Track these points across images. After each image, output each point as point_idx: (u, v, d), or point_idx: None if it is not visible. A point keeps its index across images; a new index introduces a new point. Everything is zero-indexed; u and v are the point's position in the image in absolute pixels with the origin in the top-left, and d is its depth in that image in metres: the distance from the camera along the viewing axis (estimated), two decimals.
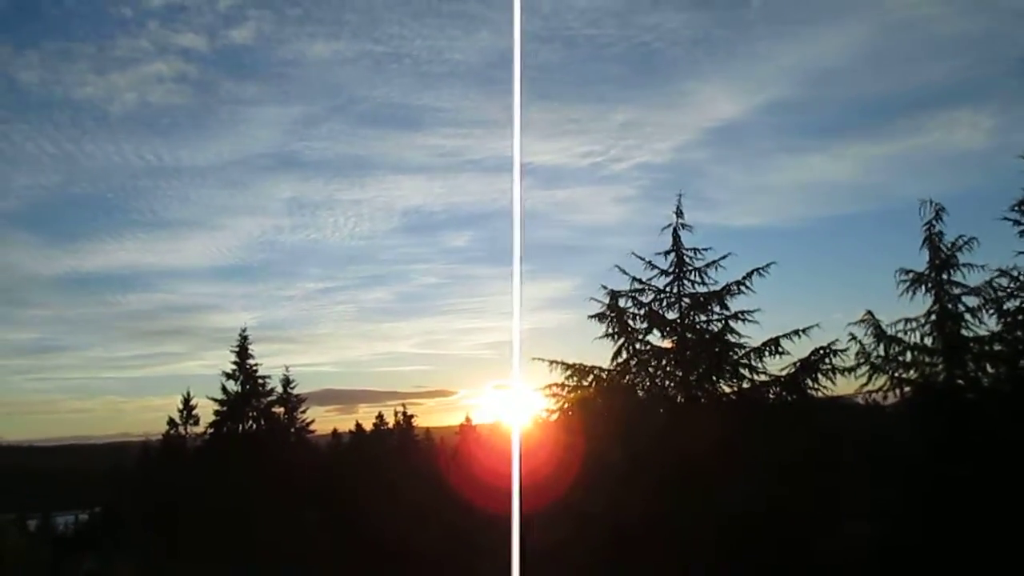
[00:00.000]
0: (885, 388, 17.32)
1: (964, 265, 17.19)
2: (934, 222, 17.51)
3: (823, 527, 14.10)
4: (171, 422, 33.33)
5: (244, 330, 31.92)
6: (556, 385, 18.29)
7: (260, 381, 31.44)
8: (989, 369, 16.98)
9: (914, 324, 17.42)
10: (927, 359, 17.26)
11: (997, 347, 16.63)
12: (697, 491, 15.39)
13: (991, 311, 16.83)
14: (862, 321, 17.62)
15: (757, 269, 18.00)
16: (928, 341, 17.28)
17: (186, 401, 33.72)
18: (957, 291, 17.22)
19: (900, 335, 17.44)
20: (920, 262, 17.61)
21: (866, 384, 17.36)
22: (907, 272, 17.63)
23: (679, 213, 18.54)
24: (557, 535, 15.14)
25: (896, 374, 17.32)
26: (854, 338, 17.36)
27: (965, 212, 18.48)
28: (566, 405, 18.35)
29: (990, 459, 14.74)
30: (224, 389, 31.14)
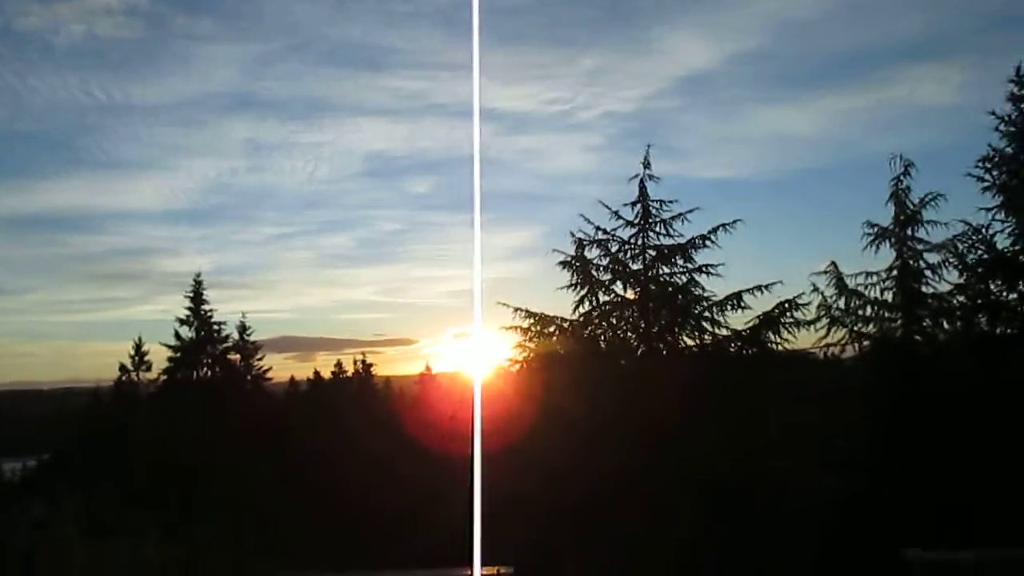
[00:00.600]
0: (844, 342, 17.78)
1: (928, 222, 17.54)
2: (902, 177, 17.78)
3: (790, 479, 14.38)
4: (123, 368, 33.00)
5: (198, 275, 31.65)
6: (519, 329, 18.39)
7: (215, 327, 31.24)
8: (946, 325, 17.45)
9: (875, 278, 17.81)
10: (886, 314, 17.69)
11: (957, 301, 17.05)
12: (663, 445, 15.59)
13: (953, 266, 17.22)
14: (825, 271, 17.95)
15: (723, 225, 18.09)
16: (888, 296, 17.71)
17: (138, 347, 33.38)
18: (920, 247, 17.58)
19: (861, 289, 17.84)
20: (886, 217, 17.93)
21: (825, 337, 17.84)
22: (872, 226, 17.92)
23: (646, 164, 18.52)
24: (521, 486, 15.16)
25: (855, 328, 17.76)
26: (816, 289, 17.73)
27: (932, 168, 18.76)
28: (529, 355, 18.52)
29: (942, 412, 15.20)
30: (178, 335, 30.94)
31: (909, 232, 17.63)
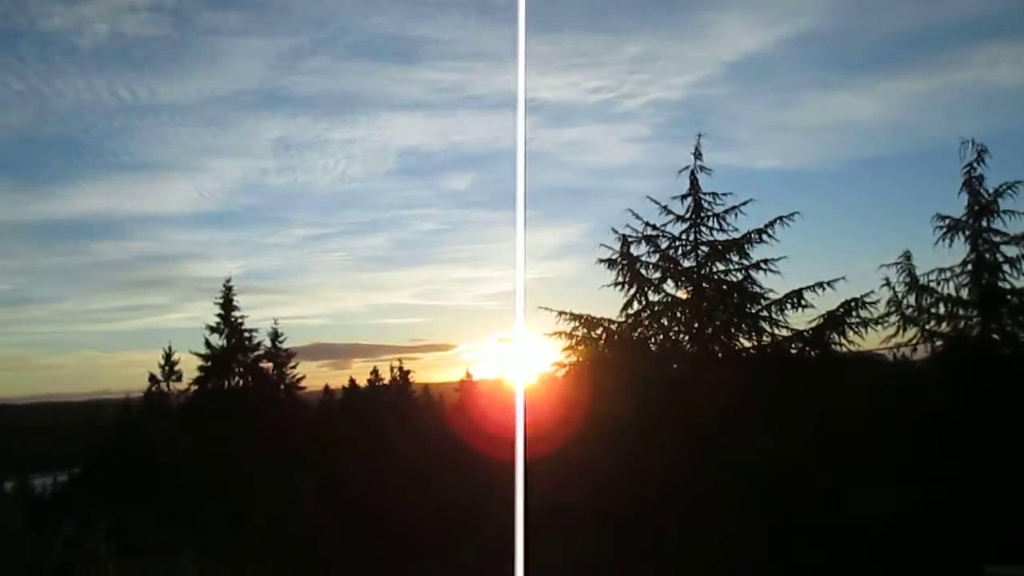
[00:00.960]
0: (915, 342, 17.46)
1: (1005, 212, 17.16)
2: (974, 165, 17.41)
3: (849, 490, 14.20)
4: (152, 378, 33.54)
5: (229, 280, 32.02)
6: (563, 335, 18.44)
7: (246, 335, 31.63)
8: None
9: (949, 274, 17.49)
10: (961, 311, 17.36)
11: None
12: (716, 452, 15.50)
13: None
14: (896, 263, 17.65)
15: (781, 217, 17.94)
16: (963, 293, 17.37)
17: (168, 356, 33.88)
18: (997, 239, 17.22)
19: (934, 285, 17.52)
20: (958, 208, 17.59)
21: (894, 336, 17.55)
22: (944, 218, 17.60)
23: (697, 154, 18.45)
24: (566, 498, 15.25)
25: (928, 327, 17.44)
26: (887, 283, 17.44)
27: (1008, 154, 18.35)
28: (574, 360, 18.55)
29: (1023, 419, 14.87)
30: (208, 343, 31.33)
31: (984, 223, 17.28)
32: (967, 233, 17.41)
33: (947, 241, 17.51)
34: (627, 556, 15.12)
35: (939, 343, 17.38)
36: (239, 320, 31.76)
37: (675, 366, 18.24)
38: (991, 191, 17.26)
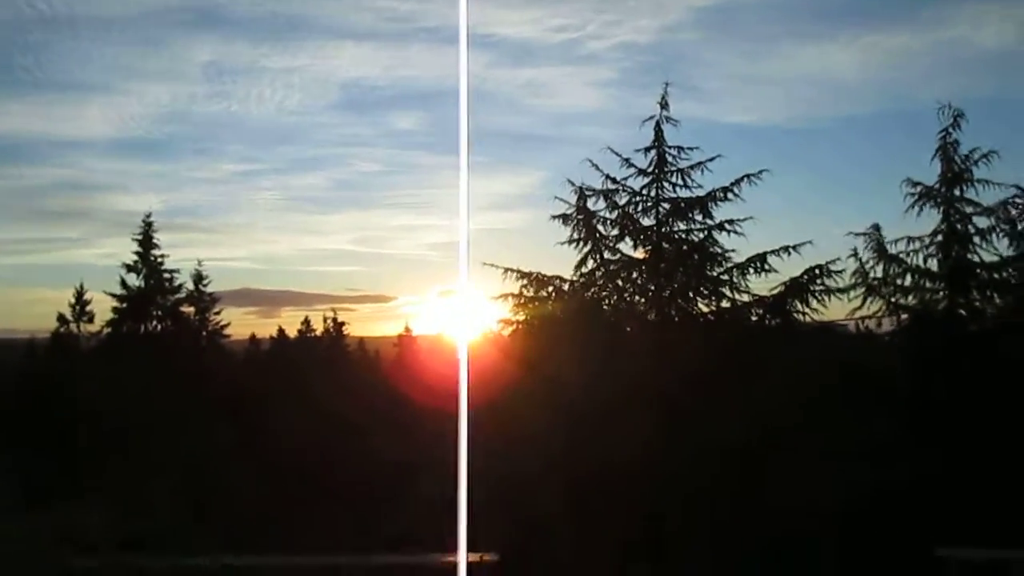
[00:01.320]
0: (880, 314, 17.77)
1: (979, 181, 17.39)
2: (950, 130, 17.56)
3: (814, 467, 14.46)
4: (61, 318, 32.70)
5: (149, 215, 30.97)
6: (511, 295, 18.44)
7: (167, 276, 30.77)
8: (996, 300, 17.44)
9: (917, 244, 17.74)
10: (929, 284, 17.65)
11: (1009, 272, 17.00)
12: (672, 424, 15.62)
13: (1004, 233, 17.15)
14: (864, 234, 17.87)
15: (748, 175, 17.91)
16: (932, 264, 17.64)
17: (79, 295, 32.99)
18: (969, 210, 17.47)
19: (902, 256, 17.77)
20: (932, 175, 17.79)
21: (859, 308, 17.85)
22: (915, 184, 17.77)
23: (664, 104, 18.27)
24: (512, 466, 15.31)
25: (893, 299, 17.74)
26: (854, 253, 17.67)
27: (989, 121, 18.54)
28: (521, 318, 18.60)
29: (988, 396, 15.22)
30: (124, 283, 30.50)
31: (957, 192, 17.52)
32: (938, 201, 17.63)
33: (917, 209, 17.74)
34: (574, 522, 15.03)
35: (904, 316, 17.70)
36: (159, 259, 30.82)
37: (628, 329, 18.37)
38: (964, 158, 17.46)
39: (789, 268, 17.67)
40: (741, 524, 14.36)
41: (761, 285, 17.89)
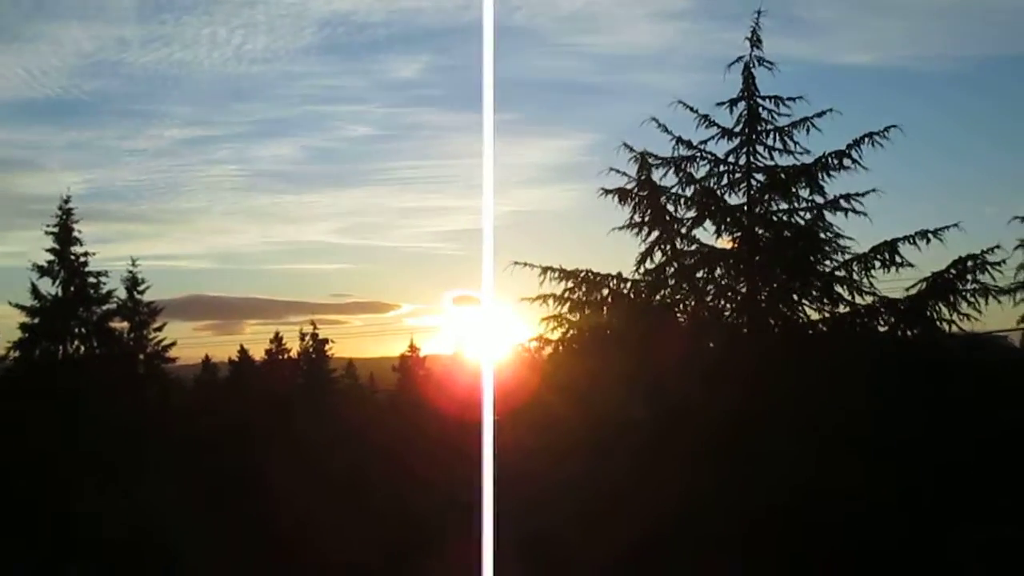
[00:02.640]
0: None
1: None
2: None
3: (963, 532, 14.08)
4: None
5: (67, 201, 31.11)
6: (551, 298, 17.94)
7: (92, 280, 30.79)
8: None
9: None
10: None
11: None
12: (762, 468, 15.16)
13: None
14: None
15: (871, 134, 17.32)
16: None
17: None
18: None
19: None
20: None
21: None
22: None
23: (754, 40, 17.83)
24: (554, 525, 15.47)
25: None
26: (1021, 245, 17.06)
27: None
28: (566, 333, 18.15)
29: None
30: (35, 291, 30.46)
31: None
32: None
33: None
34: None
35: None
36: (81, 259, 30.78)
37: (712, 345, 17.86)
38: None
39: (929, 260, 16.99)
40: None
41: (891, 283, 17.22)
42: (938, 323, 16.74)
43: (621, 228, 18.15)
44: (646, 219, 18.03)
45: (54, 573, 22.05)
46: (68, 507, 22.45)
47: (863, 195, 17.39)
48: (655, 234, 17.99)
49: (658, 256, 17.99)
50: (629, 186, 18.06)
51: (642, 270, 18.05)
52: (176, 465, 23.61)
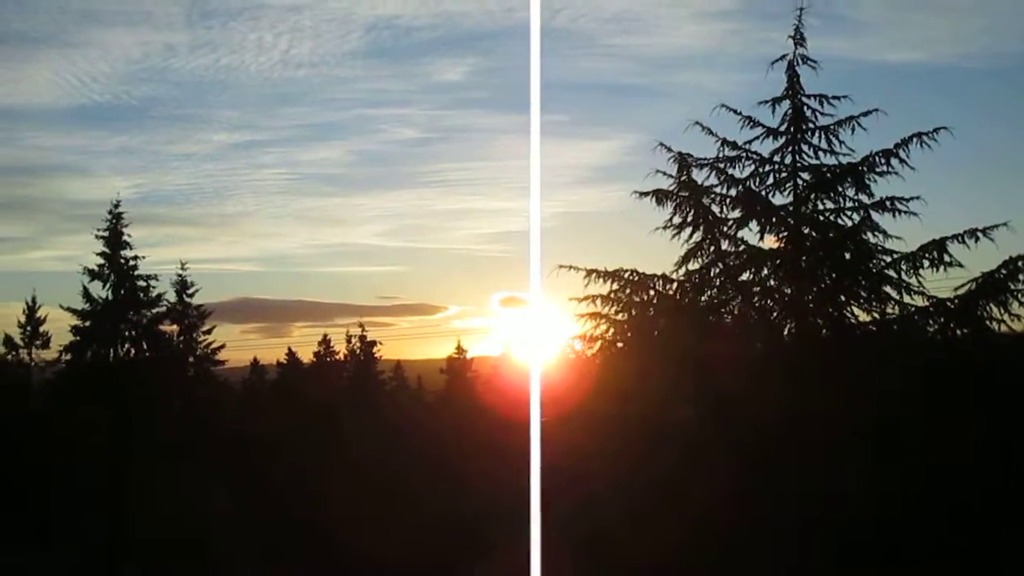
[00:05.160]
0: None
1: None
2: None
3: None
4: (9, 342, 33.28)
5: (117, 204, 31.64)
6: (597, 298, 18.03)
7: (141, 284, 31.19)
8: None
9: None
10: None
11: None
12: (813, 477, 15.16)
13: None
14: None
15: (919, 134, 17.22)
16: None
17: (30, 311, 33.57)
18: None
19: None
20: None
21: None
22: None
23: (798, 39, 17.86)
24: (601, 525, 15.60)
25: None
26: None
27: None
28: (608, 331, 18.22)
29: None
30: (86, 294, 30.92)
31: None
32: None
33: None
34: None
35: None
36: (131, 263, 31.25)
37: (759, 345, 17.82)
38: None
39: (979, 260, 16.85)
40: None
41: (940, 283, 17.11)
42: (989, 323, 16.58)
43: (660, 229, 18.13)
44: (688, 219, 17.96)
45: (109, 571, 22.39)
46: (122, 507, 22.73)
47: (909, 201, 17.28)
48: (698, 234, 17.93)
49: (701, 257, 17.92)
50: (671, 187, 18.02)
51: (684, 270, 18.00)
52: (225, 467, 23.80)
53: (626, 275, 18.02)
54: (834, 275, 17.60)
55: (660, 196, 18.08)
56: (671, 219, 18.09)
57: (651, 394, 16.92)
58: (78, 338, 30.71)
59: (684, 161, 18.13)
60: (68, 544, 22.51)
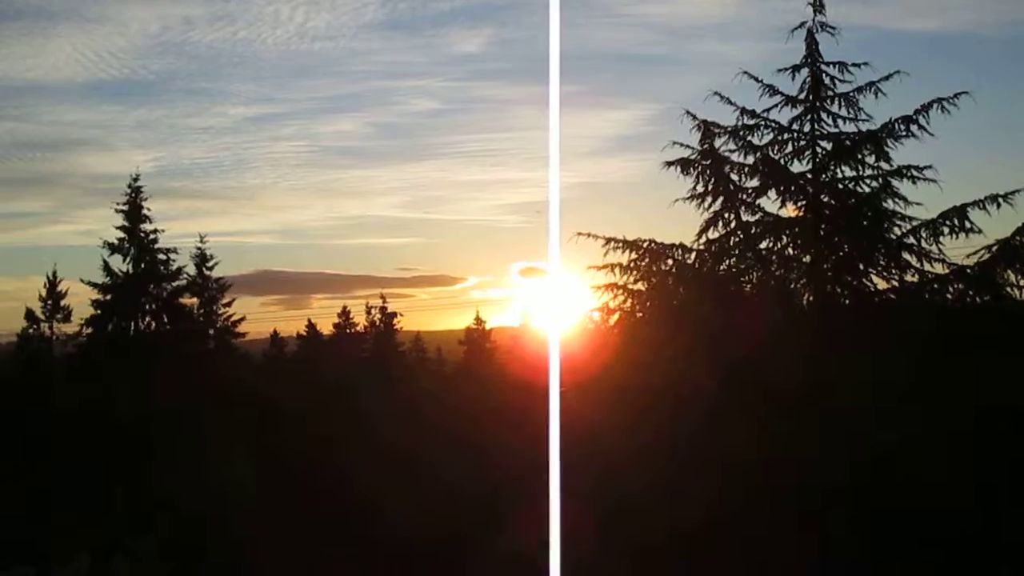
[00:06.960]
0: None
1: None
2: None
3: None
4: (30, 316, 33.47)
5: (136, 179, 31.77)
6: (616, 267, 18.15)
7: (162, 257, 31.41)
8: None
9: None
10: None
11: None
12: (837, 443, 15.20)
13: None
14: None
15: (939, 100, 17.22)
16: None
17: (51, 285, 33.72)
18: None
19: None
20: None
21: None
22: None
23: (817, 5, 17.85)
24: (622, 493, 15.68)
25: None
26: None
27: None
28: (625, 301, 18.32)
29: None
30: (107, 268, 31.13)
31: None
32: None
33: None
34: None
35: None
36: (150, 236, 31.46)
37: (779, 315, 17.62)
38: None
39: (998, 226, 16.83)
40: None
41: (960, 250, 17.10)
42: (1008, 290, 16.76)
43: (685, 199, 18.19)
44: (709, 188, 18.01)
45: (127, 546, 22.63)
46: (141, 482, 22.93)
47: (926, 168, 17.35)
48: (717, 203, 17.98)
49: (721, 227, 18.00)
50: (692, 156, 18.06)
51: (704, 240, 18.06)
52: (247, 439, 23.97)
53: (644, 244, 18.07)
54: (853, 243, 17.61)
55: (685, 165, 18.11)
56: (694, 187, 18.17)
57: (670, 364, 16.87)
58: (99, 311, 30.88)
59: (708, 130, 18.19)
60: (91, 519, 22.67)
